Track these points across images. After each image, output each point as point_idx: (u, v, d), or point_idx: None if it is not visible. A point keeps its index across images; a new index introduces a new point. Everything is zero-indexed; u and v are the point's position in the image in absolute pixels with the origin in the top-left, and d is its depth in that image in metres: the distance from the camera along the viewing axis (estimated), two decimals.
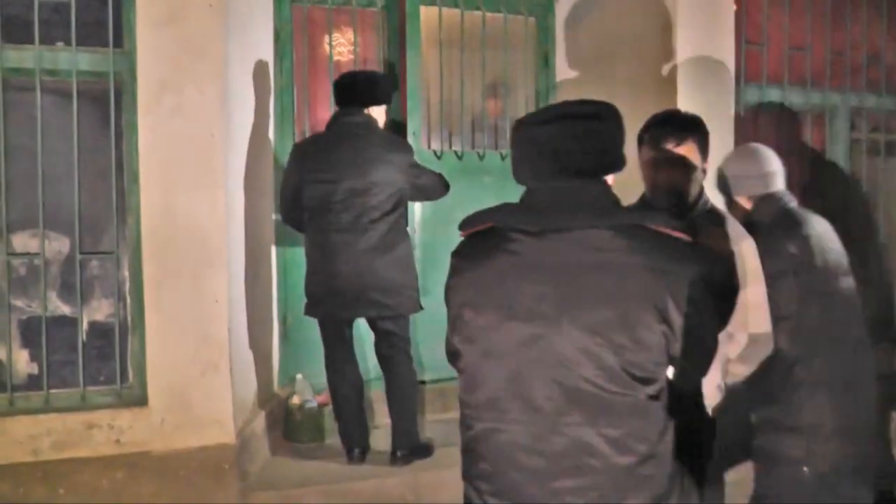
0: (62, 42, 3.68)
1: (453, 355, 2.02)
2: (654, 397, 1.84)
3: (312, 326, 4.15)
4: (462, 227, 2.03)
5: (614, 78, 4.90)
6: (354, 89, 4.06)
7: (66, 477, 3.54)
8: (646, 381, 1.81)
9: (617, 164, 1.94)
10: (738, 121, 4.60)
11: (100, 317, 3.81)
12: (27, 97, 3.64)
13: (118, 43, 3.70)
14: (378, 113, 4.12)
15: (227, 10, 3.76)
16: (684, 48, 4.41)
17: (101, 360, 3.78)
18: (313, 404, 4.39)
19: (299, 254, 4.62)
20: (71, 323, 3.74)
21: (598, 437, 1.80)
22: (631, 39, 4.75)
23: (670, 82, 4.43)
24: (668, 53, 4.45)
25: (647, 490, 1.83)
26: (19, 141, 3.66)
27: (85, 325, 3.75)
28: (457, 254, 2.02)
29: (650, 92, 4.58)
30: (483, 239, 1.95)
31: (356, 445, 4.07)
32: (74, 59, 3.65)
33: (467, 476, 2.00)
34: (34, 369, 3.72)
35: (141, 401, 3.69)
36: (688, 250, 1.86)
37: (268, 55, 4.68)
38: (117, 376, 3.75)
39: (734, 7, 4.55)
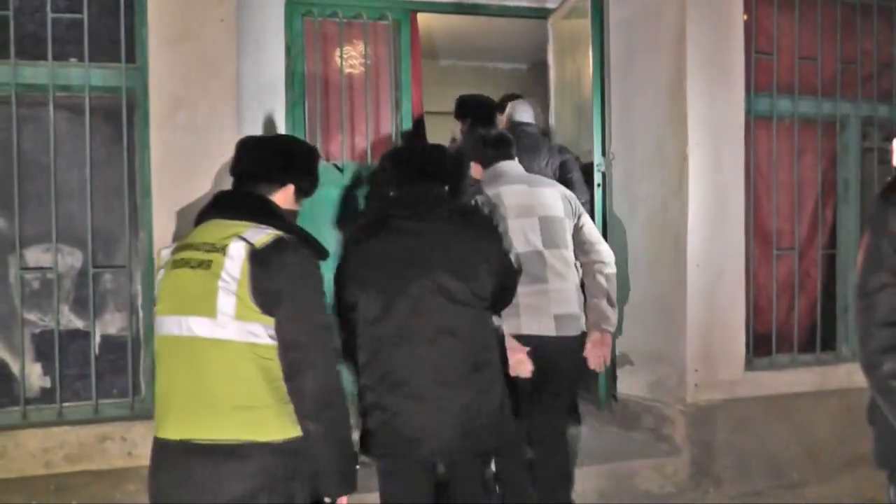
0: (75, 58, 3.71)
1: (351, 306, 3.02)
2: (487, 309, 3.12)
3: None
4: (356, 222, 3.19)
5: (626, 88, 4.91)
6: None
7: (79, 490, 3.56)
8: (483, 299, 3.07)
9: (449, 178, 3.26)
10: (749, 130, 4.60)
11: (112, 330, 3.82)
12: (40, 113, 3.68)
13: (131, 59, 3.73)
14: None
15: (239, 25, 3.79)
16: (694, 58, 4.42)
17: (113, 373, 3.79)
18: None
19: None
20: (84, 336, 3.76)
21: (458, 340, 2.96)
22: (642, 49, 4.75)
23: (680, 92, 4.43)
24: (678, 63, 4.45)
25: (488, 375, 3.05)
26: (33, 156, 3.69)
27: (98, 339, 3.77)
28: (353, 237, 3.10)
29: (661, 102, 4.58)
30: (372, 225, 3.07)
31: None
32: (87, 75, 3.68)
33: (374, 385, 2.95)
34: (47, 383, 3.73)
35: (153, 414, 3.68)
36: (496, 228, 3.32)
37: (279, 69, 4.70)
38: (130, 389, 3.76)
39: (744, 17, 4.56)
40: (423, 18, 5.39)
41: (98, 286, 3.77)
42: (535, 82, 7.09)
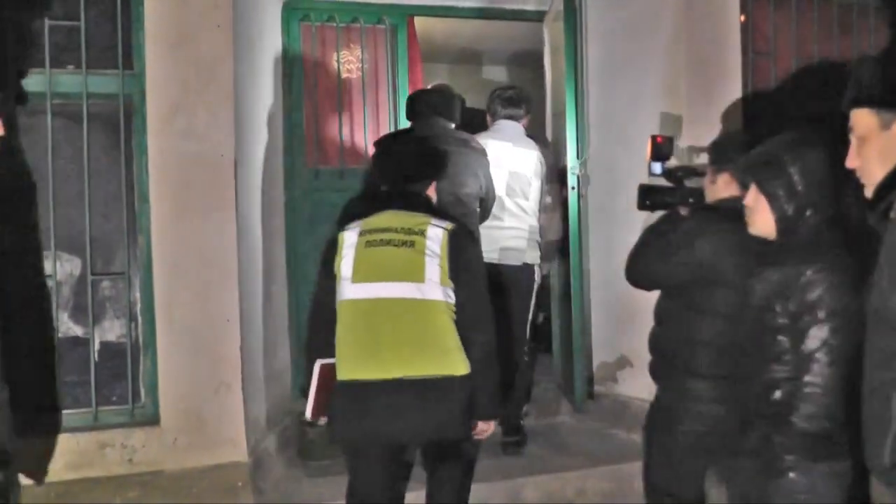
0: (72, 65, 3.71)
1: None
2: None
3: None
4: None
5: (623, 90, 4.90)
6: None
7: (80, 497, 3.55)
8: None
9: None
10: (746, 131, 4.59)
11: (112, 337, 3.82)
12: (38, 120, 3.67)
13: (128, 65, 3.73)
14: None
15: (236, 30, 3.79)
16: (691, 59, 4.42)
17: (113, 380, 3.78)
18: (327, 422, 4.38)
19: (311, 272, 4.66)
20: (83, 344, 3.76)
21: None
22: (640, 50, 4.75)
23: (677, 92, 4.43)
24: (675, 64, 4.45)
25: None
26: (31, 163, 3.69)
27: (97, 346, 3.77)
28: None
29: (658, 104, 4.58)
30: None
31: None
32: (85, 82, 3.68)
33: None
34: None
35: (153, 420, 3.70)
36: None
37: (277, 74, 4.71)
38: (130, 396, 3.76)
39: (741, 18, 4.56)
40: (421, 23, 5.40)
41: (97, 293, 3.77)
42: (535, 85, 7.08)
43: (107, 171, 3.76)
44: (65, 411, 3.68)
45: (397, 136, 3.41)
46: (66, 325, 3.77)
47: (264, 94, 4.42)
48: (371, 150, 4.87)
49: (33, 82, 3.64)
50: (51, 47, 3.65)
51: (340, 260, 2.97)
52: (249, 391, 3.82)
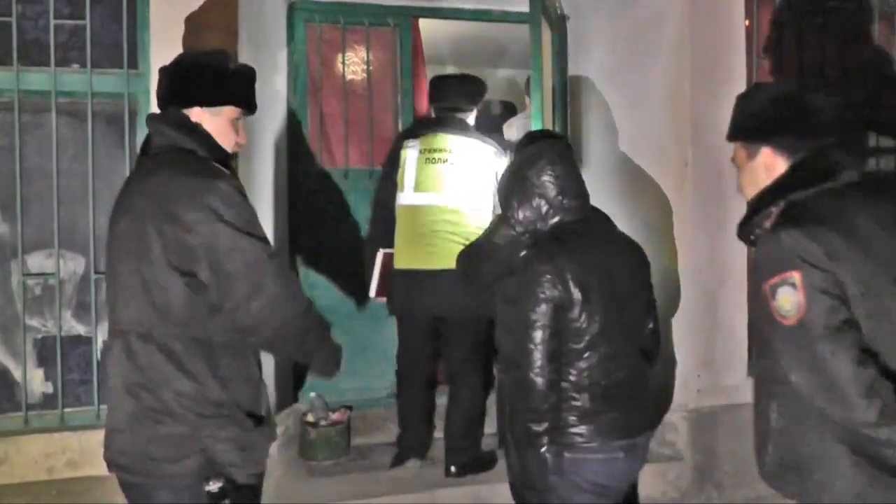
0: (78, 64, 3.72)
1: None
2: None
3: None
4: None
5: (626, 95, 4.90)
6: None
7: (81, 495, 3.55)
8: None
9: None
10: None
11: None
12: (43, 118, 3.69)
13: (133, 64, 3.74)
14: None
15: (241, 30, 3.79)
16: (696, 63, 4.41)
17: None
18: (328, 422, 4.38)
19: (316, 272, 4.66)
20: (86, 342, 3.76)
21: None
22: (644, 54, 4.75)
23: (682, 97, 4.42)
24: (680, 68, 4.45)
25: None
26: (35, 161, 3.70)
27: (100, 344, 3.77)
28: None
29: (663, 109, 4.57)
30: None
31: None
32: (90, 81, 3.69)
33: None
34: (49, 388, 3.74)
35: None
36: None
37: (282, 74, 4.71)
38: None
39: (746, 22, 4.55)
40: (426, 24, 5.40)
41: (100, 291, 3.76)
42: None
43: (111, 169, 3.77)
44: (67, 410, 3.70)
45: (446, 76, 4.50)
46: (69, 324, 3.78)
47: (269, 94, 4.42)
48: (375, 152, 4.93)
49: (39, 80, 3.65)
50: (56, 46, 3.66)
51: (403, 172, 3.97)
52: None
